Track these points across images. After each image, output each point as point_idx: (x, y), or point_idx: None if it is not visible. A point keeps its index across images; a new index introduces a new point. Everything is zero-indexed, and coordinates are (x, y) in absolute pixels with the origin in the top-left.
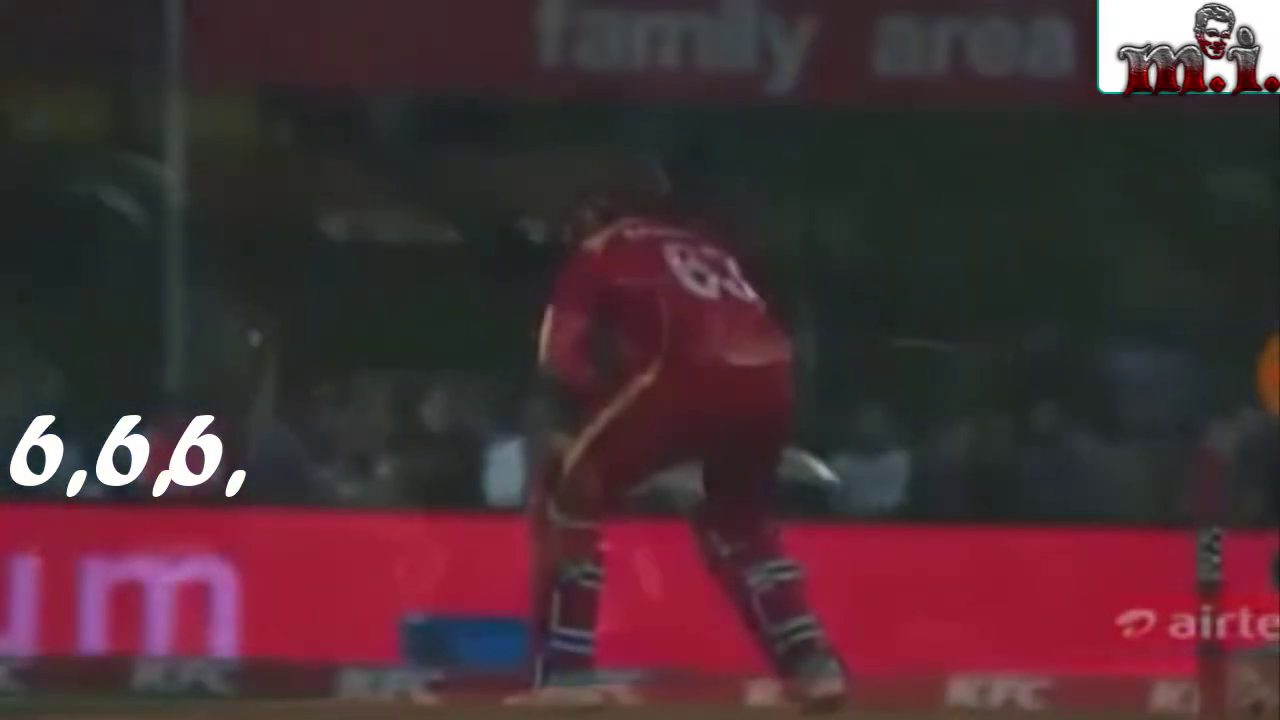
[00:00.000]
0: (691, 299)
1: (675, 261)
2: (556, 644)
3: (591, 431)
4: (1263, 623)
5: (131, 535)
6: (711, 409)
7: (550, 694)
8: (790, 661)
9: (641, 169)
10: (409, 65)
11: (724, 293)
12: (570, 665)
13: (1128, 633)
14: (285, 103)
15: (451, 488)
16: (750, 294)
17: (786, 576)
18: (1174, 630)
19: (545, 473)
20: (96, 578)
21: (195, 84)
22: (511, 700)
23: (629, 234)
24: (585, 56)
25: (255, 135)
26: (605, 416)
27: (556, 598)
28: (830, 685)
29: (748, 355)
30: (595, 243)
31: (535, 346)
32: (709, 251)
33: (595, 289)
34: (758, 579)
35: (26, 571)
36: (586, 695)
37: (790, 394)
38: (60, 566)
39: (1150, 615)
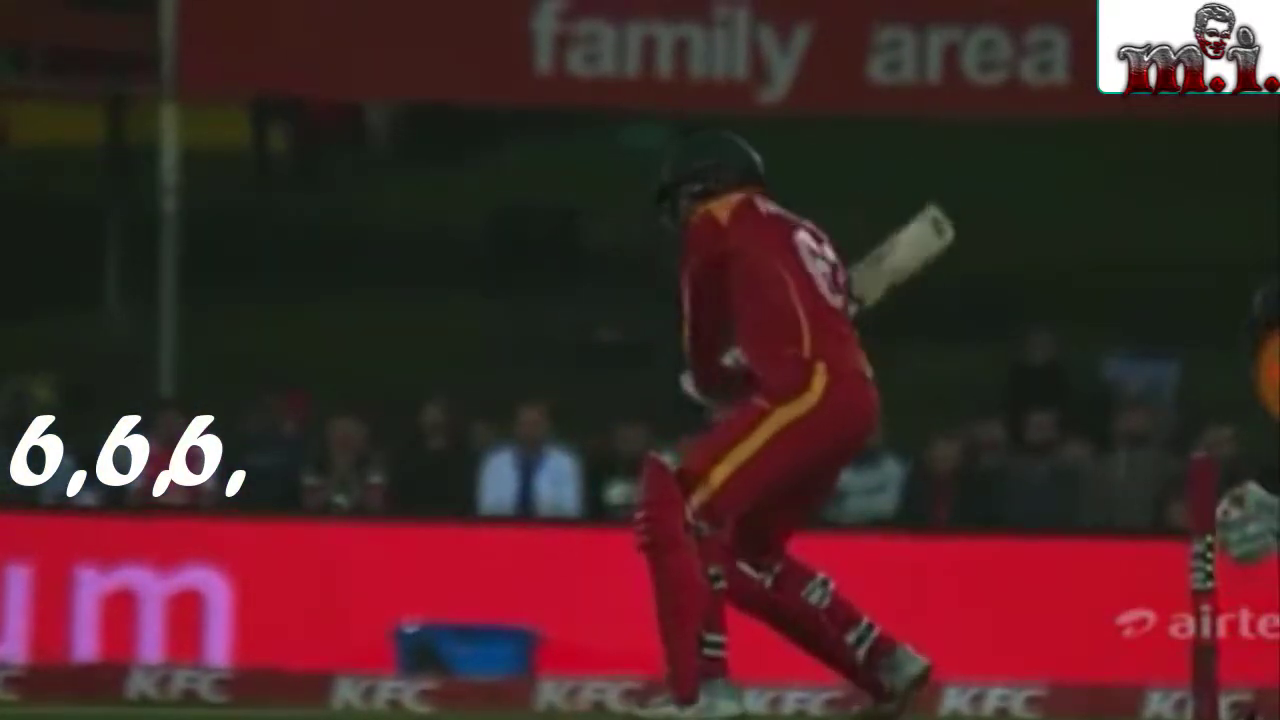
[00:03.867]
0: (826, 306)
1: (806, 257)
2: (709, 652)
3: (754, 443)
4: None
5: (126, 544)
6: (856, 427)
7: (700, 708)
8: (872, 662)
9: (734, 146)
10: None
11: (837, 296)
12: (718, 672)
13: None
14: None
15: None
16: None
17: (831, 584)
18: None
19: (678, 484)
20: (90, 586)
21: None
22: (646, 712)
23: (760, 205)
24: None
25: None
26: (768, 429)
27: (708, 606)
28: (919, 663)
29: (866, 368)
30: (719, 208)
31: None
32: (828, 250)
33: (722, 262)
34: (817, 596)
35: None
36: (733, 707)
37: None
38: (53, 575)
39: None
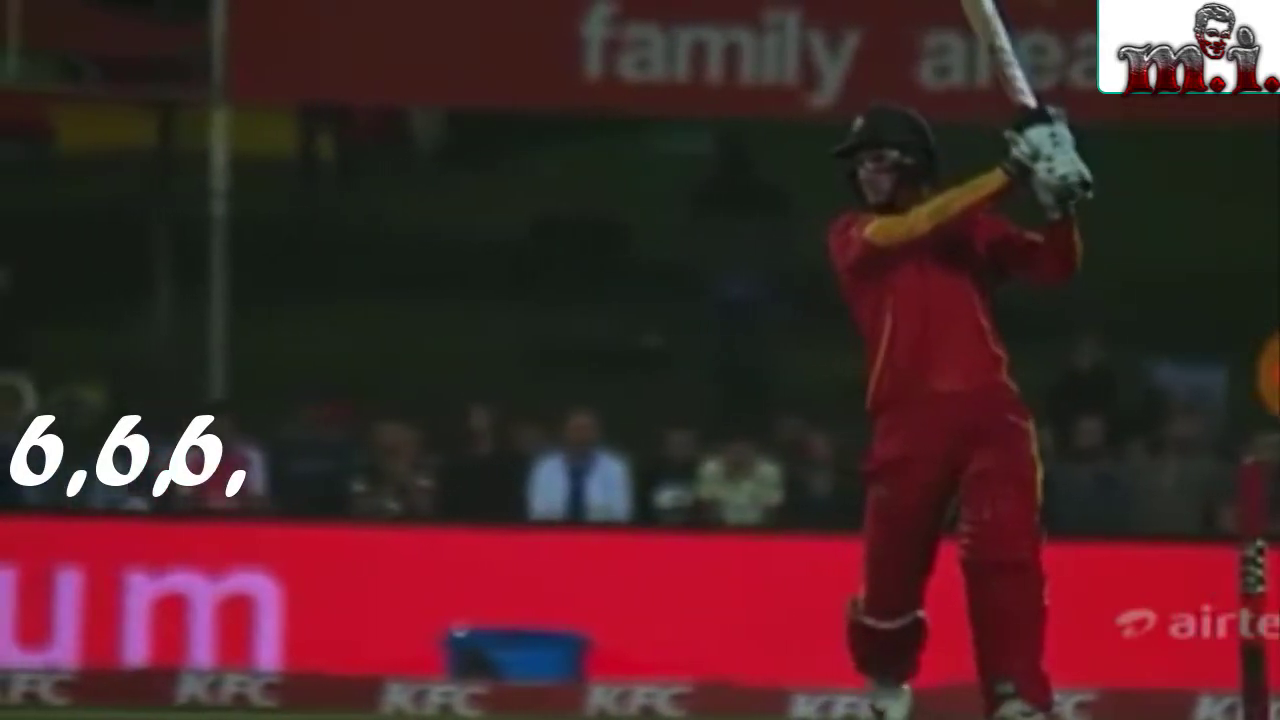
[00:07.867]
0: None
1: None
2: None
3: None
4: None
5: (176, 548)
6: None
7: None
8: None
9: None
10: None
11: None
12: None
13: None
14: None
15: None
16: None
17: None
18: None
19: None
20: (140, 591)
21: None
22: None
23: None
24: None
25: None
26: (1037, 447)
27: None
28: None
29: None
30: None
31: None
32: None
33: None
34: None
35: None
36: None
37: None
38: (104, 579)
39: None
